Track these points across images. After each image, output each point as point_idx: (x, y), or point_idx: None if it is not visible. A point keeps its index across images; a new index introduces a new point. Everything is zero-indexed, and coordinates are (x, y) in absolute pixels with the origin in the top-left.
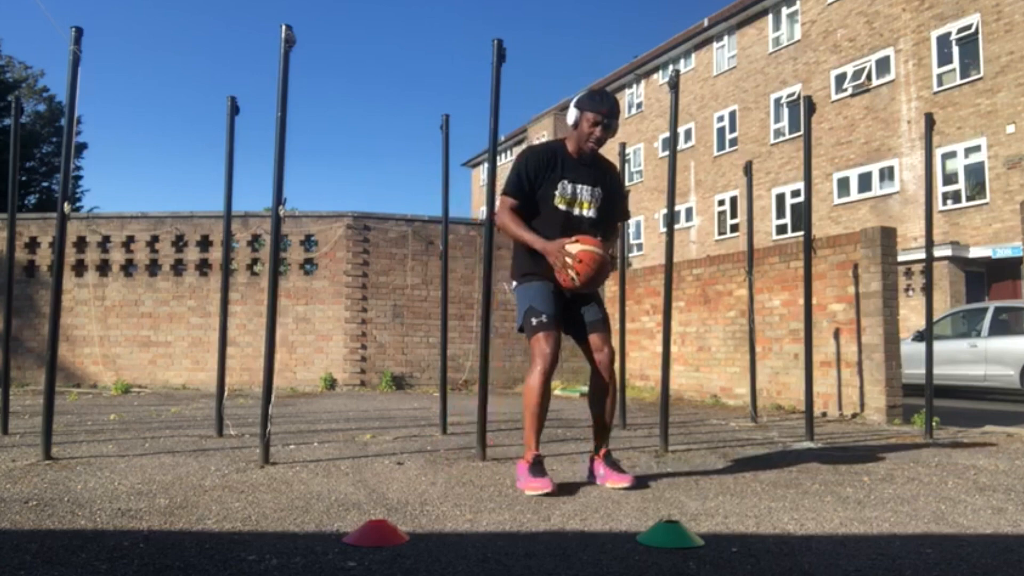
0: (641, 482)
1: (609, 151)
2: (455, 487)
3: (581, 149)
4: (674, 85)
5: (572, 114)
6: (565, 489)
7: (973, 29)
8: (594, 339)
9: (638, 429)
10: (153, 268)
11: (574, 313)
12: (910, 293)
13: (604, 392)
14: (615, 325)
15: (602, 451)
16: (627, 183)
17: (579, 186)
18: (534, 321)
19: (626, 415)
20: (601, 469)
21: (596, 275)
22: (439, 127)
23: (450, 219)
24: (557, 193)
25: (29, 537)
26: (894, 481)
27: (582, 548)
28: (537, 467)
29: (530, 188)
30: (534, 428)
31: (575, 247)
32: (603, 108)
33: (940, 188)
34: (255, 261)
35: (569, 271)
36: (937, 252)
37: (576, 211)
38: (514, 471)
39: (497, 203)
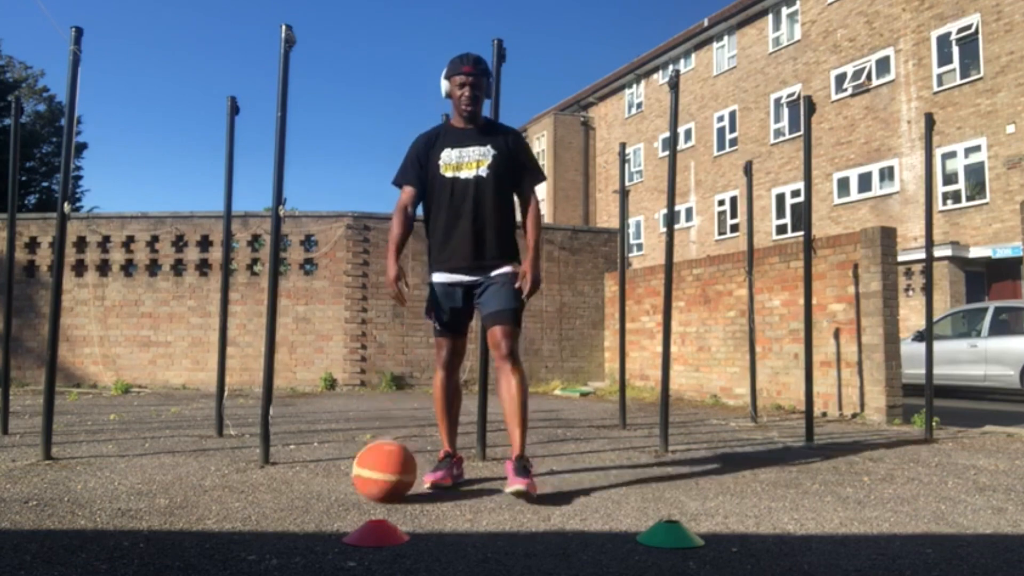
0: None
1: (608, 150)
2: (455, 487)
3: (462, 116)
4: (674, 85)
5: (443, 87)
6: (564, 493)
7: (973, 29)
8: (491, 333)
9: (638, 429)
10: (153, 268)
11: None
12: (910, 293)
13: (503, 387)
14: (615, 325)
15: (513, 454)
16: (627, 183)
17: (464, 149)
18: (435, 327)
19: (626, 415)
20: (507, 471)
21: None
22: None
23: None
24: (442, 161)
25: (29, 537)
26: (894, 481)
27: (582, 548)
28: (439, 464)
29: (420, 168)
30: (443, 426)
31: None
32: (464, 67)
33: (940, 188)
34: (255, 261)
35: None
36: (937, 252)
37: (464, 174)
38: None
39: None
